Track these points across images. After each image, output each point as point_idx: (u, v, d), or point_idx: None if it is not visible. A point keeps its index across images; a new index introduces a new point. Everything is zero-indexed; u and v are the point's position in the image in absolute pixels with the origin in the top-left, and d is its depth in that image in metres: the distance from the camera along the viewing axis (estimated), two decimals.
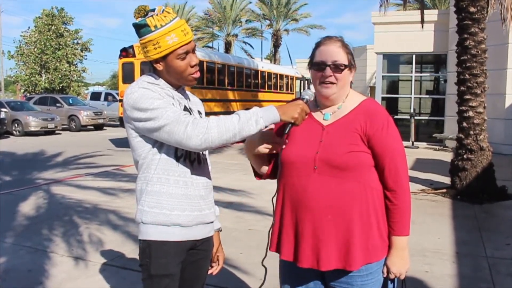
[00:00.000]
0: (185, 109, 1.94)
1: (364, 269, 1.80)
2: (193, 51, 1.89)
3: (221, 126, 1.71)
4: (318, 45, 1.87)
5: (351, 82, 1.90)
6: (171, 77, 1.89)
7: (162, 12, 1.83)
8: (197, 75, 1.92)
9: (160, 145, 1.85)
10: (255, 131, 1.75)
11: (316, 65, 1.84)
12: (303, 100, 1.85)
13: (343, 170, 1.76)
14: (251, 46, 46.24)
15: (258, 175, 2.07)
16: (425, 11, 11.32)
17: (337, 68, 1.81)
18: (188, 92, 2.07)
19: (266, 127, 1.78)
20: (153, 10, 1.85)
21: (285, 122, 1.79)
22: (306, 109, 1.80)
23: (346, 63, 1.82)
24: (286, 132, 1.83)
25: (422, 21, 10.50)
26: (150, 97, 1.78)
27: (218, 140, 1.72)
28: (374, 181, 1.81)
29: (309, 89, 1.96)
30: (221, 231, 2.19)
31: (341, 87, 1.84)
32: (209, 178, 2.02)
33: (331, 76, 1.81)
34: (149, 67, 1.95)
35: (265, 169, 2.01)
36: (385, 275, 1.85)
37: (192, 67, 1.88)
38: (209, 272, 2.14)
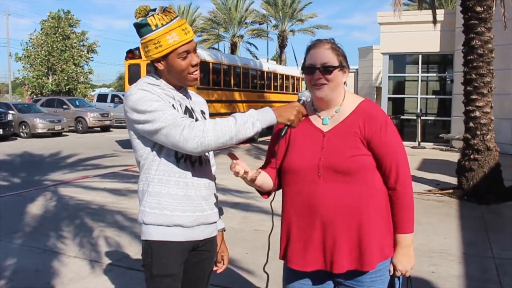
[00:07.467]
0: (186, 109, 1.93)
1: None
2: (194, 50, 1.89)
3: (217, 130, 1.71)
4: (308, 48, 1.88)
5: (345, 82, 1.88)
6: (172, 77, 1.89)
7: (163, 11, 1.84)
8: (198, 75, 1.91)
9: (160, 146, 1.85)
10: (252, 133, 1.74)
11: (307, 69, 1.85)
12: (300, 102, 1.85)
13: (347, 175, 1.77)
14: (255, 47, 46.35)
15: (265, 194, 2.03)
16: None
17: (326, 70, 1.81)
18: (191, 92, 2.07)
19: (262, 129, 1.77)
20: (154, 9, 1.85)
21: (281, 124, 1.80)
22: (302, 111, 1.81)
23: (336, 64, 1.82)
24: (283, 134, 1.84)
25: (435, 21, 10.45)
26: (148, 99, 1.77)
27: (215, 144, 1.72)
28: (378, 182, 1.83)
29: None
30: (224, 231, 2.19)
31: (333, 88, 1.84)
32: (211, 178, 2.02)
33: (321, 78, 1.81)
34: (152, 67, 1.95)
35: (270, 184, 1.97)
36: (391, 273, 1.87)
37: (193, 66, 1.87)
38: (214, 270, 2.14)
